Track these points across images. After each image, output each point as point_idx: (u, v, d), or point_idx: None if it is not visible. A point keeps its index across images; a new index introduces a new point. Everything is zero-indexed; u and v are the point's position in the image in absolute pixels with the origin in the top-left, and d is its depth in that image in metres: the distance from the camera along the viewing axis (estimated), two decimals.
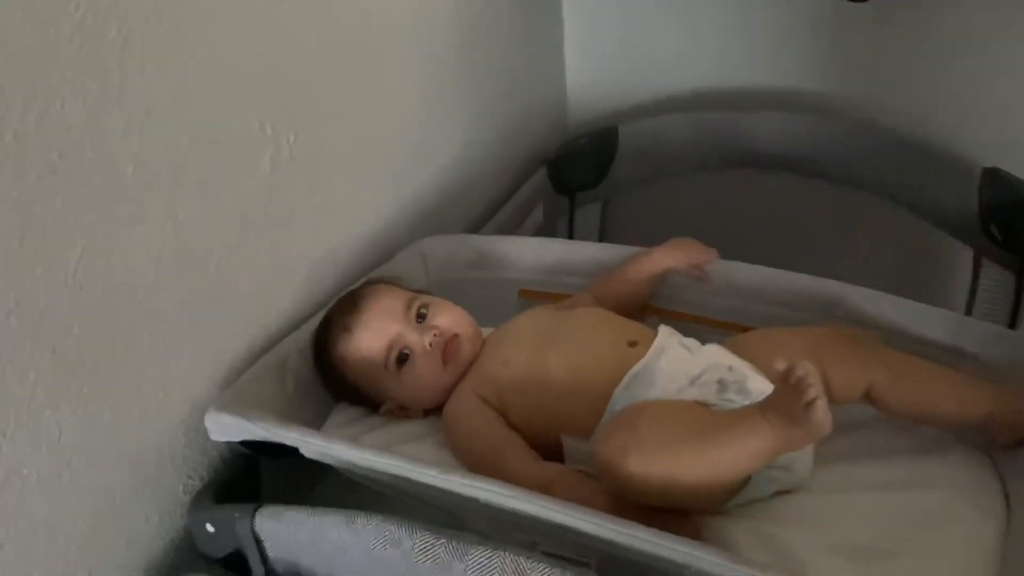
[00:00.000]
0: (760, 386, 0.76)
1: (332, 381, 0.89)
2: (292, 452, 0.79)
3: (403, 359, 0.85)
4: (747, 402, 0.73)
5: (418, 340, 0.86)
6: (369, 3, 0.99)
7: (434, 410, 0.89)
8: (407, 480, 0.71)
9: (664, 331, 0.85)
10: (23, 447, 0.66)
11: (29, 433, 0.67)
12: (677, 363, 0.79)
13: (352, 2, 0.96)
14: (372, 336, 0.85)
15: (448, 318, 0.88)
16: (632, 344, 0.83)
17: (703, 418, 0.70)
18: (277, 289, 0.91)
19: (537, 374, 0.82)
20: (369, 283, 0.94)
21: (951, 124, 1.30)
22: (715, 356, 0.80)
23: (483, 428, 0.83)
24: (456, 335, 0.87)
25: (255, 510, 0.74)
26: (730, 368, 0.78)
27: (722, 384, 0.75)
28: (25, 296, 0.64)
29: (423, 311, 0.88)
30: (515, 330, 0.89)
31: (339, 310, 0.89)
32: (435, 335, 0.86)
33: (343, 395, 0.91)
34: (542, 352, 0.84)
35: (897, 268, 1.43)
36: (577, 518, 0.64)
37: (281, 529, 0.73)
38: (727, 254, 1.00)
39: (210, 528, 0.78)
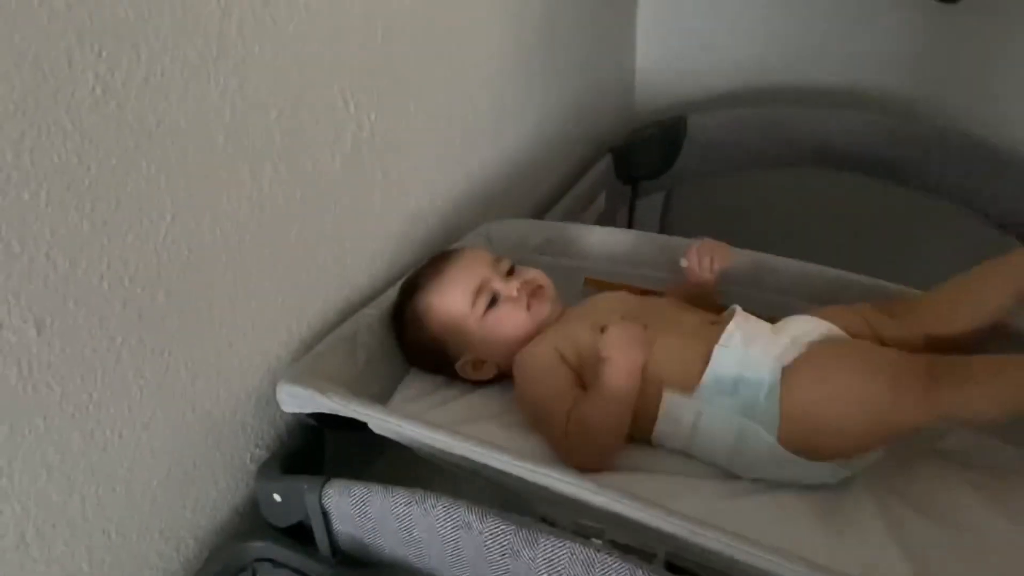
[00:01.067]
0: None
1: (412, 332, 0.90)
2: (358, 426, 0.80)
3: (490, 303, 0.88)
4: None
5: (505, 287, 0.89)
6: None
7: (503, 377, 0.90)
8: (475, 462, 0.72)
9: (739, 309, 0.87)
10: (107, 407, 0.68)
11: (113, 394, 0.68)
12: (768, 327, 0.84)
13: None
14: (463, 280, 0.89)
15: (535, 273, 0.92)
16: (714, 323, 0.85)
17: None
18: (351, 263, 0.91)
19: None
20: None
21: None
22: (808, 322, 0.84)
23: (553, 382, 0.84)
24: (542, 286, 0.91)
25: (324, 483, 0.75)
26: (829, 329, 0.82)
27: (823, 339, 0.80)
28: (117, 260, 0.66)
29: (511, 268, 0.92)
30: (603, 305, 0.91)
31: (431, 261, 0.93)
32: (522, 284, 0.89)
33: (420, 350, 0.91)
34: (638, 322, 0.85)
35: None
36: (645, 513, 0.64)
37: (349, 503, 0.74)
38: (792, 253, 0.99)
39: (277, 498, 0.79)
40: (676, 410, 0.80)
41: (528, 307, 0.89)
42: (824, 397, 0.76)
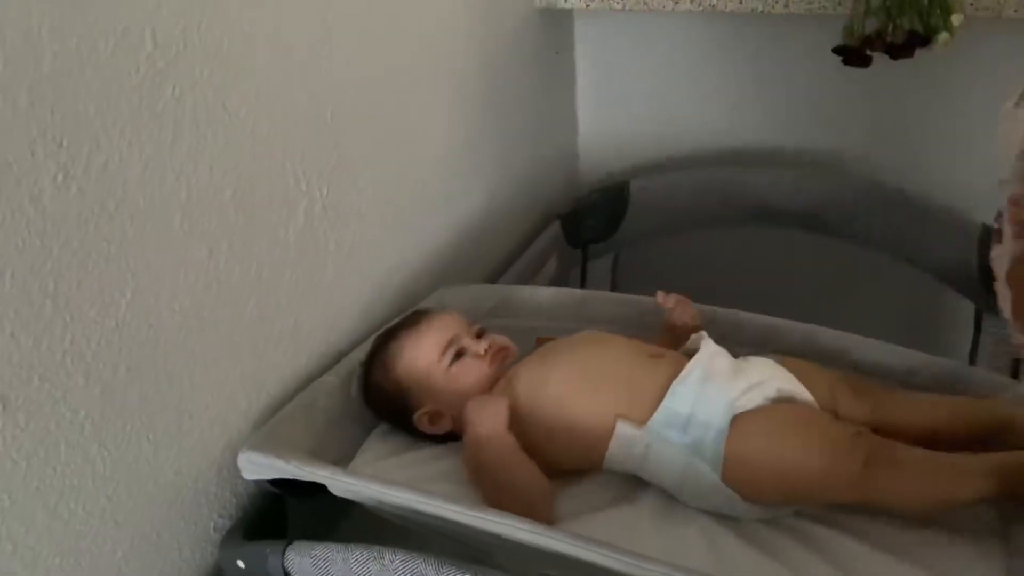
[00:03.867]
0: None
1: (378, 378, 0.94)
2: (318, 491, 0.82)
3: (457, 357, 0.93)
4: None
5: (473, 344, 0.95)
6: (400, 62, 1.05)
7: (458, 436, 0.92)
8: (433, 516, 0.74)
9: (708, 339, 0.91)
10: (71, 480, 0.70)
11: (77, 467, 0.70)
12: (730, 367, 0.87)
13: (384, 61, 1.02)
14: (436, 333, 0.94)
15: (504, 338, 0.97)
16: (655, 356, 0.90)
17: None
18: (308, 333, 0.95)
19: (546, 373, 0.89)
20: None
21: (951, 182, 1.36)
22: (771, 368, 0.88)
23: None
24: (508, 348, 0.96)
25: (286, 546, 0.78)
26: (787, 381, 0.86)
27: (780, 393, 0.84)
28: (79, 337, 0.69)
29: (481, 332, 0.97)
30: (529, 358, 0.95)
31: (408, 316, 0.99)
32: (490, 344, 0.95)
33: (382, 396, 0.94)
34: (547, 359, 0.91)
35: (902, 322, 1.47)
36: (602, 555, 0.67)
37: (311, 565, 0.76)
38: (736, 306, 1.05)
39: (241, 564, 0.81)
40: (626, 440, 0.84)
41: (491, 365, 0.94)
42: (765, 455, 0.80)
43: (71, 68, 0.64)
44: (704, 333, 0.93)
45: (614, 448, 0.84)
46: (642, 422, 0.83)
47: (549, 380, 0.88)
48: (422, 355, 0.93)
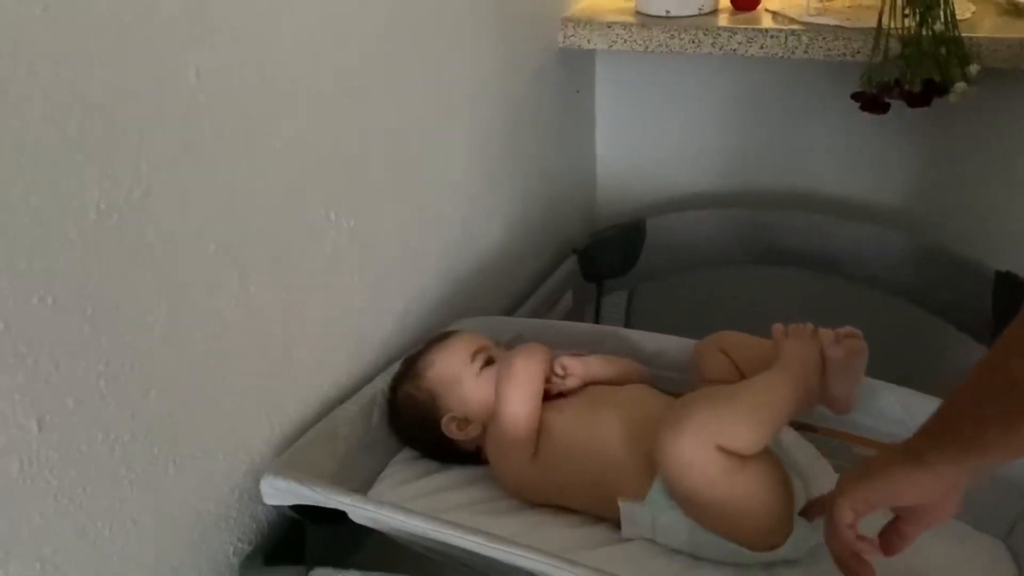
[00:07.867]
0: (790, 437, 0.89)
1: (407, 387, 0.97)
2: (338, 517, 0.83)
3: (487, 364, 0.96)
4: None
5: (502, 355, 0.98)
6: (425, 101, 1.07)
7: (477, 457, 0.95)
8: (453, 546, 0.75)
9: None
10: (99, 501, 0.71)
11: (105, 488, 0.72)
12: None
13: (410, 100, 1.04)
14: (466, 343, 0.98)
15: None
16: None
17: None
18: (331, 361, 0.96)
19: (588, 426, 0.89)
20: None
21: (966, 229, 1.37)
22: None
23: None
24: None
25: (306, 573, 0.79)
26: None
27: None
28: (114, 360, 0.70)
29: (509, 348, 1.00)
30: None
31: (438, 334, 1.03)
32: None
33: (409, 406, 0.96)
34: (595, 407, 0.91)
35: (914, 367, 1.48)
36: None
37: None
38: None
39: None
40: (633, 515, 0.85)
41: None
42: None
43: (117, 99, 0.67)
44: None
45: (625, 522, 0.85)
46: (642, 496, 0.83)
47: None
48: (453, 358, 0.96)
